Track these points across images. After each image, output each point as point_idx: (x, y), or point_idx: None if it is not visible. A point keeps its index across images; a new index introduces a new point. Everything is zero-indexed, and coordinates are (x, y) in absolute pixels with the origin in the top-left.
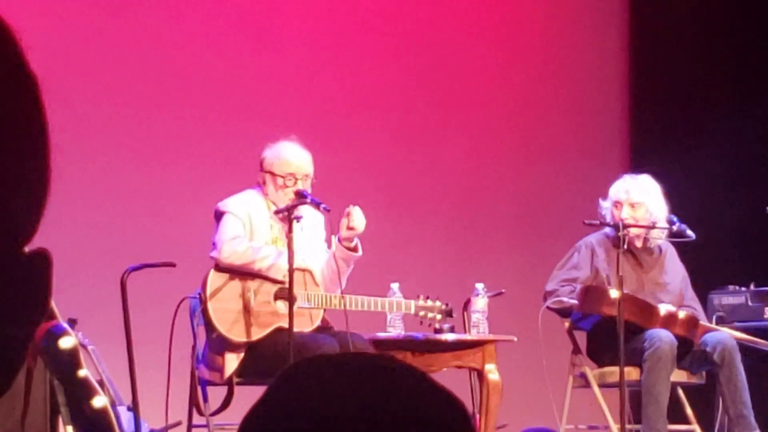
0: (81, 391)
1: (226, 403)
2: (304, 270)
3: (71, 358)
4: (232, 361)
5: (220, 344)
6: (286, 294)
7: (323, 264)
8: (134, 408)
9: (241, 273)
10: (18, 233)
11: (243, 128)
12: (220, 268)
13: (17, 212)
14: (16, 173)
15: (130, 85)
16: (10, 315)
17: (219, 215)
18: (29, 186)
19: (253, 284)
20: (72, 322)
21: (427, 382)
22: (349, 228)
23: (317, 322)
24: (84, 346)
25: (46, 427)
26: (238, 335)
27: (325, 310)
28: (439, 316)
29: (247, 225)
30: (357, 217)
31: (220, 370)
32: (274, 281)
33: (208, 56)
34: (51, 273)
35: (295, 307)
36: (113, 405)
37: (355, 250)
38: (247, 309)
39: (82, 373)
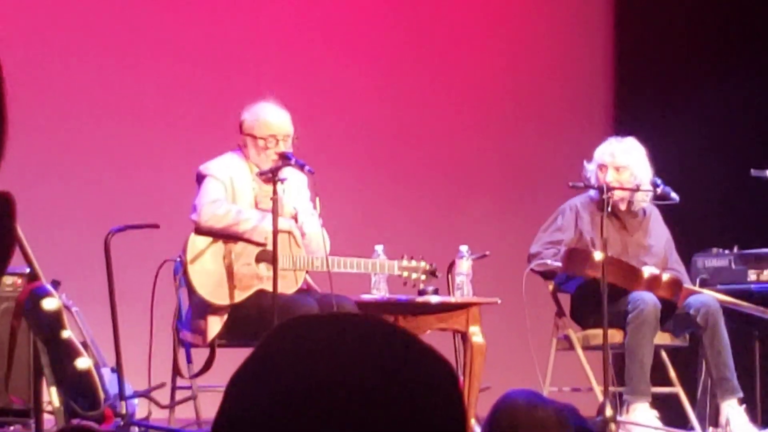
0: (64, 353)
1: (207, 366)
2: (286, 232)
3: (55, 320)
4: (214, 324)
5: (202, 307)
6: (268, 256)
7: (312, 227)
8: (118, 369)
9: (222, 236)
10: None
11: (227, 88)
12: (200, 231)
13: None
14: None
15: (112, 46)
16: None
17: (200, 178)
18: None
19: (234, 247)
20: (55, 284)
21: (414, 342)
22: None
23: (299, 284)
24: (67, 308)
25: (30, 388)
26: (219, 298)
27: (308, 272)
28: (423, 277)
29: (228, 188)
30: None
31: (203, 332)
32: (256, 244)
33: (189, 16)
34: (14, 214)
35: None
36: (97, 366)
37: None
38: (228, 272)
39: (66, 334)
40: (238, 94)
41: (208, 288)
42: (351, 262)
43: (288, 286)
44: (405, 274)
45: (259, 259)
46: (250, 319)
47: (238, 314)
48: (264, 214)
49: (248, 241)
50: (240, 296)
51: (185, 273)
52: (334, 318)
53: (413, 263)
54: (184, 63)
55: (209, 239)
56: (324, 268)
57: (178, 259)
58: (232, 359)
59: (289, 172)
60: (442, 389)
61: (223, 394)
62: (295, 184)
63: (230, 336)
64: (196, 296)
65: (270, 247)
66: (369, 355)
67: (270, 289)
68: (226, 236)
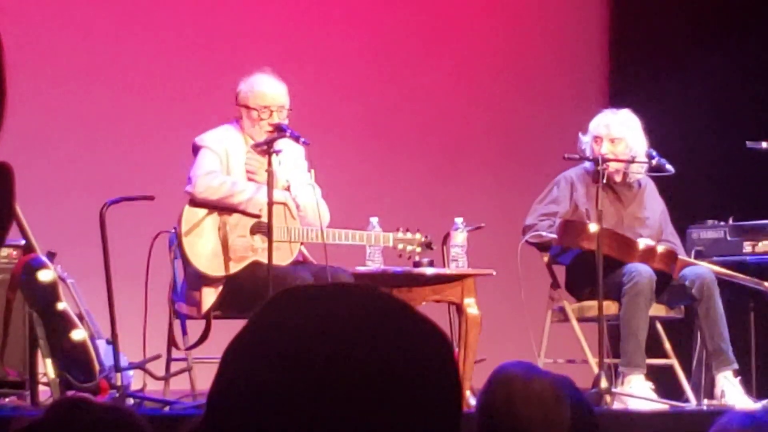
0: (60, 324)
1: (203, 337)
2: (281, 204)
3: (50, 291)
4: (209, 296)
5: (196, 279)
6: (263, 228)
7: (307, 198)
8: (113, 341)
9: (217, 208)
10: None
11: (223, 60)
12: (195, 203)
13: None
14: None
15: (108, 18)
16: None
17: (196, 150)
18: None
19: (229, 218)
20: (51, 256)
21: (410, 312)
22: None
23: (294, 256)
24: (63, 280)
25: (25, 360)
26: (214, 270)
27: (303, 244)
28: (418, 249)
29: (224, 160)
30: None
31: (198, 304)
32: (251, 215)
33: None
34: (13, 186)
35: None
36: (92, 338)
37: None
38: (223, 243)
39: (61, 306)
40: (234, 66)
41: (203, 259)
42: (346, 234)
43: (283, 258)
44: (400, 246)
45: (254, 231)
46: (244, 291)
47: (232, 286)
48: (259, 185)
49: (243, 212)
50: (235, 268)
51: (180, 245)
52: (329, 288)
53: (408, 236)
54: (180, 34)
55: (204, 211)
56: (319, 239)
57: (173, 231)
58: (227, 331)
59: (285, 145)
60: (437, 358)
61: (218, 365)
62: (291, 156)
63: (225, 307)
64: (191, 268)
65: (265, 219)
66: (364, 325)
67: (265, 260)
68: (221, 208)
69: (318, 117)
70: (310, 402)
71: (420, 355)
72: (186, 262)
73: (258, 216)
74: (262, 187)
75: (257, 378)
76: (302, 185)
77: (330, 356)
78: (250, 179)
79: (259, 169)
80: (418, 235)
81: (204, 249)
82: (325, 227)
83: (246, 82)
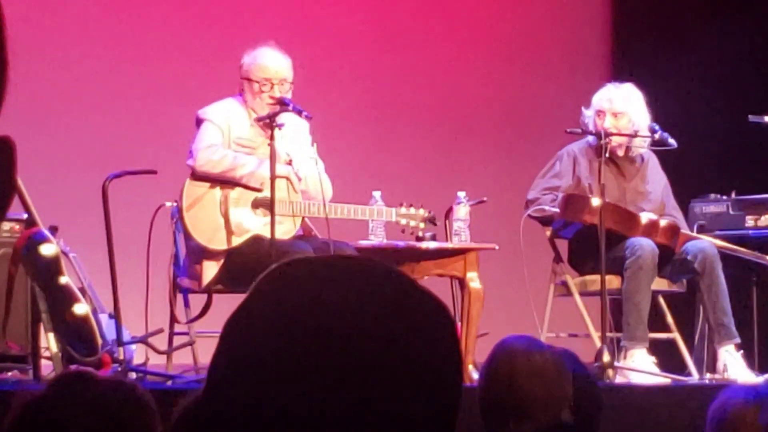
0: (62, 299)
1: (203, 311)
2: (283, 178)
3: (52, 266)
4: (209, 269)
5: (197, 253)
6: (264, 202)
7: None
8: (116, 315)
9: (218, 181)
10: None
11: (227, 33)
12: (196, 176)
13: None
14: None
15: None
16: None
17: (199, 123)
18: None
19: (230, 192)
20: (53, 230)
21: (412, 285)
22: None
23: (296, 230)
24: (65, 254)
25: (28, 334)
26: (215, 243)
27: (306, 218)
28: (421, 224)
29: (226, 133)
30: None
31: (199, 278)
32: (252, 189)
33: None
34: (14, 159)
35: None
36: (94, 312)
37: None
38: (224, 217)
39: (63, 280)
40: (239, 39)
41: (204, 233)
42: (348, 209)
43: (285, 232)
44: (403, 221)
45: (255, 205)
46: (245, 265)
47: (233, 259)
48: (261, 159)
49: (245, 186)
50: (236, 242)
51: (181, 218)
52: (331, 260)
53: (411, 211)
54: (185, 6)
55: (205, 185)
56: (320, 214)
57: (174, 204)
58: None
59: (288, 119)
60: (439, 331)
61: (219, 338)
62: (293, 129)
63: (226, 281)
64: (192, 242)
65: (266, 193)
66: (366, 297)
67: (266, 234)
68: (222, 182)
69: (321, 91)
70: (311, 375)
71: (422, 328)
72: (187, 236)
73: (259, 189)
74: (264, 161)
75: (258, 350)
76: (305, 160)
77: (331, 329)
78: (250, 153)
79: (261, 144)
80: (421, 211)
81: (205, 223)
82: (327, 201)
83: (249, 54)
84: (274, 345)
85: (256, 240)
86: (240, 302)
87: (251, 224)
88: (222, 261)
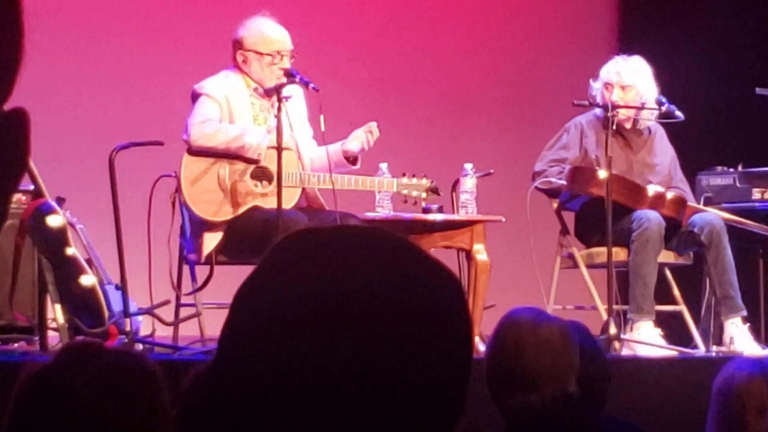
0: (69, 270)
1: (205, 282)
2: (285, 149)
3: (59, 237)
4: (210, 240)
5: (198, 225)
6: (262, 173)
7: (311, 149)
8: (122, 287)
9: (216, 154)
10: None
11: (231, 3)
12: (192, 151)
13: None
14: None
15: None
16: None
17: (195, 97)
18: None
19: (228, 164)
20: (60, 201)
21: (422, 255)
22: (365, 146)
23: (294, 201)
24: (72, 225)
25: (35, 305)
26: (214, 215)
27: (316, 190)
28: (424, 194)
29: (224, 107)
30: (376, 137)
31: (200, 249)
32: (251, 161)
33: None
34: (29, 130)
35: (272, 186)
36: (101, 284)
37: (354, 162)
38: (223, 189)
39: (70, 251)
40: (240, 10)
41: (204, 205)
42: (350, 179)
43: (284, 203)
44: (405, 192)
45: (254, 176)
46: (245, 235)
47: (233, 230)
48: (256, 130)
49: (242, 158)
50: (234, 212)
51: (180, 192)
52: (340, 230)
53: (414, 181)
54: None
55: (203, 158)
56: (322, 185)
57: (174, 175)
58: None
59: (290, 91)
60: (449, 300)
61: (229, 309)
62: (292, 101)
63: (227, 252)
64: (192, 214)
65: (264, 164)
66: (375, 267)
67: (264, 205)
68: (220, 154)
69: (327, 63)
70: (321, 346)
71: (432, 296)
72: (187, 209)
73: (257, 161)
74: (260, 131)
75: (269, 320)
76: (308, 141)
77: (341, 299)
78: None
79: (262, 114)
80: (424, 181)
81: (204, 195)
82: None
83: (249, 27)
84: (284, 314)
85: (254, 211)
86: (249, 273)
87: (250, 195)
88: (222, 232)
